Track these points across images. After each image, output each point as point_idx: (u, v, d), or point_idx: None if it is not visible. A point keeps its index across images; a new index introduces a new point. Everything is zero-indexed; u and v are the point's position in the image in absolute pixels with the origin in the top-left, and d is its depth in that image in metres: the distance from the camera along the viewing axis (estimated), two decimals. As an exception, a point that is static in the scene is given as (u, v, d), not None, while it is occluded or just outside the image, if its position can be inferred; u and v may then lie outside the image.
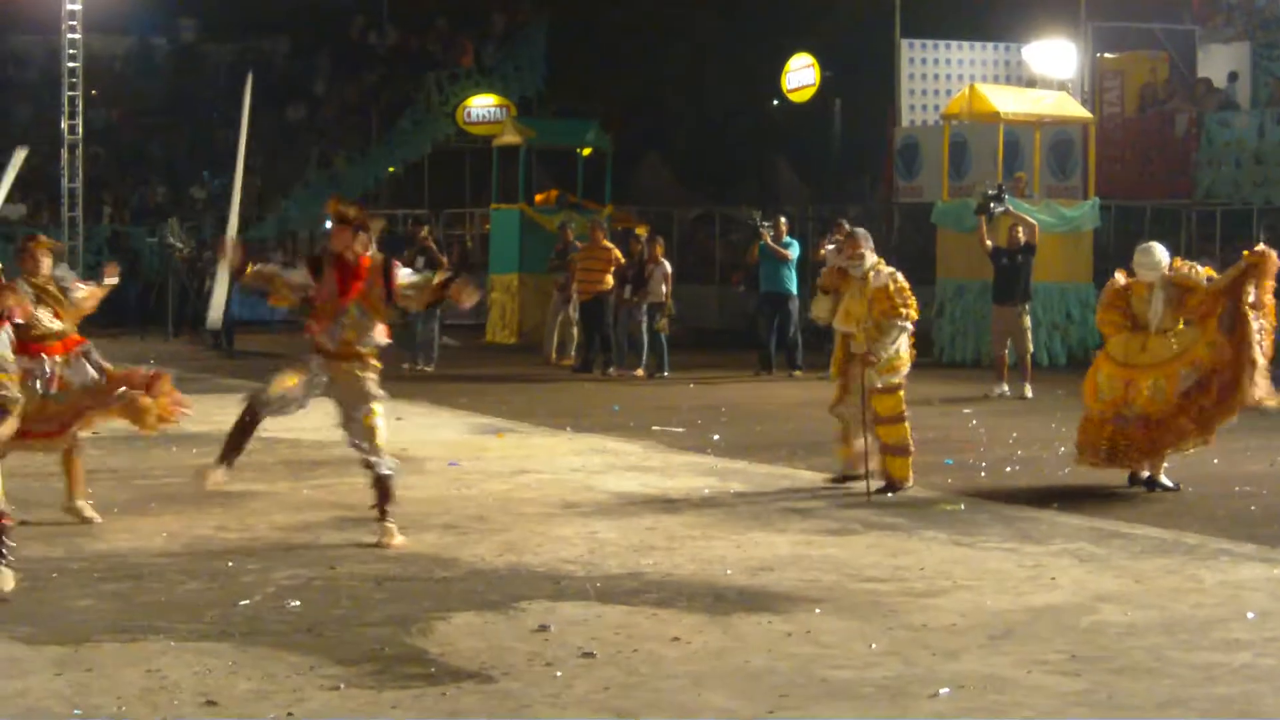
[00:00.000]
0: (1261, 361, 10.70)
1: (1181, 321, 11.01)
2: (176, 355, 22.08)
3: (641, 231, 21.32)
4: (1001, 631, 7.14)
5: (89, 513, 9.61)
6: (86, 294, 9.68)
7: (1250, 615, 7.46)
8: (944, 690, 6.22)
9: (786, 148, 35.32)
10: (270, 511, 10.01)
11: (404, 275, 9.22)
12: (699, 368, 20.40)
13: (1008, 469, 12.21)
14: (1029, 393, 17.14)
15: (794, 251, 19.93)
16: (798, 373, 19.51)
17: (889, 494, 10.79)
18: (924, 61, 26.19)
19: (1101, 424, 10.99)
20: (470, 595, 7.79)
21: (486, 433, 14.28)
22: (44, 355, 9.35)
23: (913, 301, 11.05)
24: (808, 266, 21.39)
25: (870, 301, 10.95)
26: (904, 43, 26.02)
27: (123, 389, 9.51)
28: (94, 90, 32.47)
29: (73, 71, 28.56)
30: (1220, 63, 26.00)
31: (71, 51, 28.51)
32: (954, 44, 26.40)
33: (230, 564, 8.45)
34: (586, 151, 27.01)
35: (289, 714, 5.92)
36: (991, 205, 18.37)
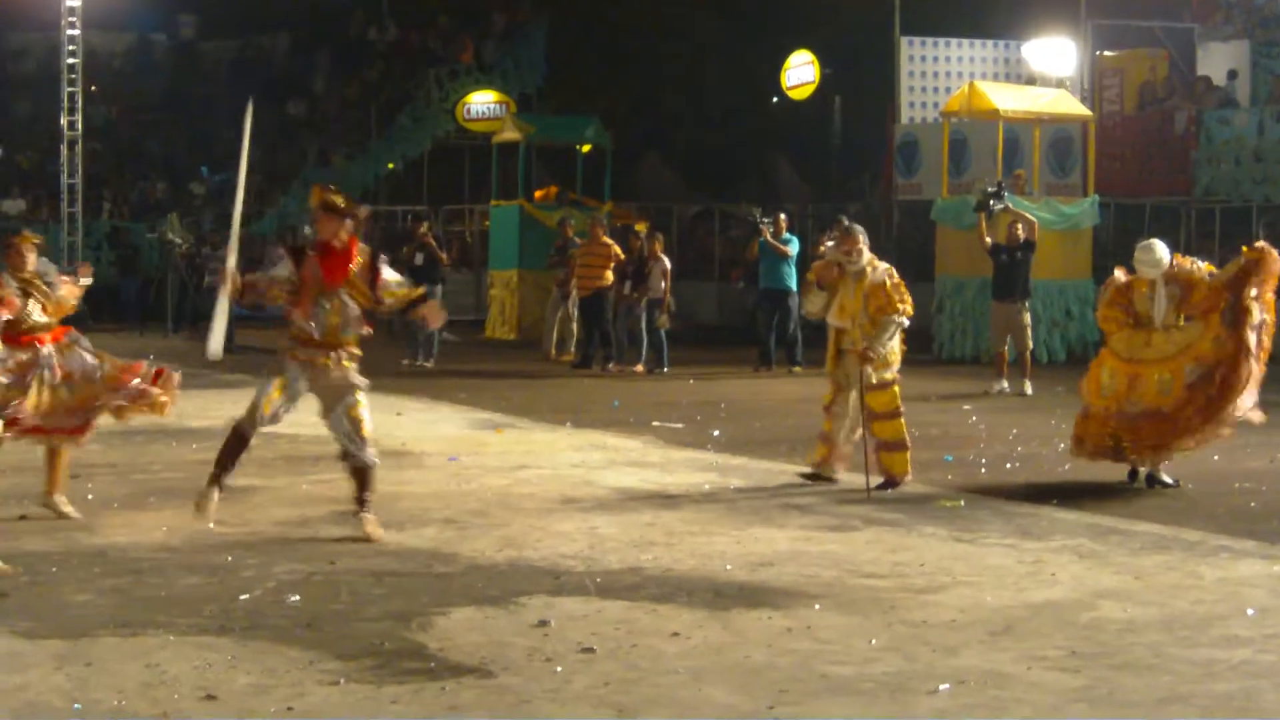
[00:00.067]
0: (1258, 371, 10.71)
1: (1183, 318, 11.02)
2: (175, 351, 22.03)
3: (641, 228, 21.34)
4: (1001, 627, 7.13)
5: (66, 508, 9.53)
6: (67, 291, 9.66)
7: (1250, 611, 7.45)
8: (944, 686, 6.21)
9: (786, 145, 35.34)
10: (270, 506, 10.00)
11: (389, 273, 9.29)
12: (698, 364, 20.40)
13: (1007, 465, 12.20)
14: (1028, 389, 17.16)
15: (793, 248, 19.93)
16: (797, 369, 19.51)
17: (888, 489, 10.80)
18: (924, 59, 26.19)
19: (1104, 419, 10.99)
20: (470, 590, 7.78)
21: (486, 428, 14.27)
22: (37, 344, 9.32)
23: (909, 297, 11.07)
24: (807, 263, 21.33)
25: (866, 297, 10.95)
26: (904, 40, 26.04)
27: (136, 380, 9.50)
28: (93, 86, 32.50)
29: (72, 68, 28.56)
30: (1220, 61, 26.01)
31: (71, 48, 28.52)
32: (954, 41, 26.40)
33: (230, 559, 8.43)
34: (586, 148, 26.99)
35: (289, 708, 5.92)
36: (991, 202, 18.42)
